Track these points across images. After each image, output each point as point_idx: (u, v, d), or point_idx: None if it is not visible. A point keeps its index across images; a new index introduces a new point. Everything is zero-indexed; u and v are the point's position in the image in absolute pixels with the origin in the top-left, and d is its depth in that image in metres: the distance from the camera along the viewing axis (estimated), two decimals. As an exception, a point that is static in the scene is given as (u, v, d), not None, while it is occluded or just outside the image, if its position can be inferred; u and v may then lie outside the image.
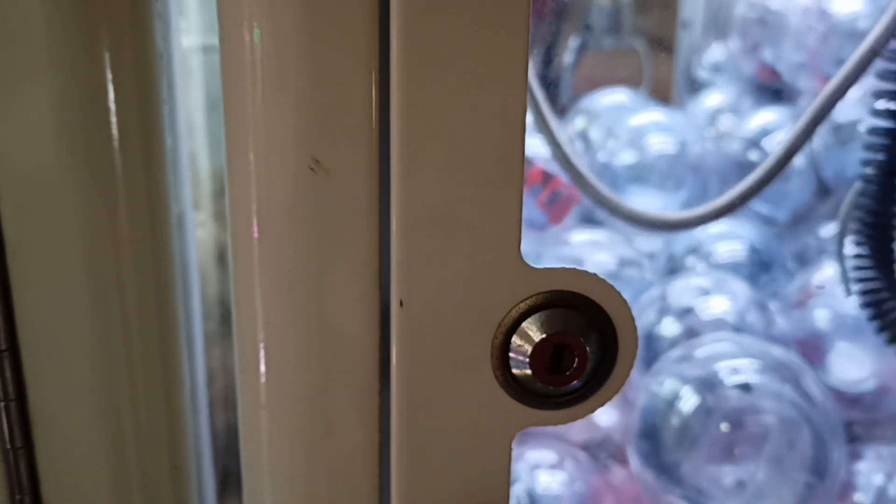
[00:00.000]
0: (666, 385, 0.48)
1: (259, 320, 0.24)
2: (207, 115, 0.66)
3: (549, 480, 0.53)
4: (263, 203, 0.23)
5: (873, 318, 0.46)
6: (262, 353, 0.25)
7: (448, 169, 0.22)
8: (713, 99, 0.86)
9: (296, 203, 0.23)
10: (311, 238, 0.23)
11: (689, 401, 0.47)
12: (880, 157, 0.45)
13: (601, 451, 0.58)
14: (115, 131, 0.25)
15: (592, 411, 0.25)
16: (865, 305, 0.47)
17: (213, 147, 0.66)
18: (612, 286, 0.24)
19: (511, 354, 0.24)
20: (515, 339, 0.24)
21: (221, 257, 0.62)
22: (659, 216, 0.58)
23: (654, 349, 0.56)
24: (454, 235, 0.23)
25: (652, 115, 0.76)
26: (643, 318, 0.58)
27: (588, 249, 0.68)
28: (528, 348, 0.24)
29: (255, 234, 0.24)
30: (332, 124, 0.22)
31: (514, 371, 0.24)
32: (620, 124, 0.76)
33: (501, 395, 0.24)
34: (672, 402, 0.47)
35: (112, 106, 0.25)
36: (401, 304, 0.23)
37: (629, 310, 0.24)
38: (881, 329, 0.46)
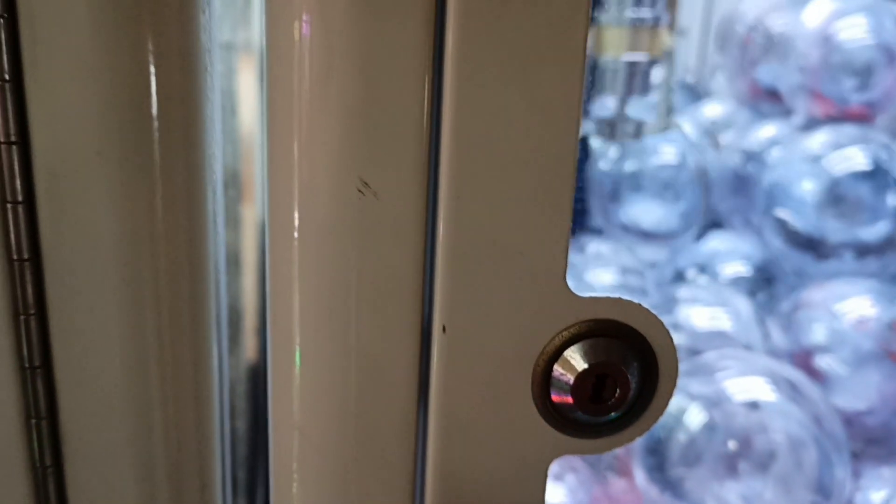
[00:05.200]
0: (673, 401, 0.48)
1: (296, 340, 0.24)
2: (222, 112, 0.66)
3: (551, 492, 0.53)
4: (306, 222, 0.23)
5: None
6: (296, 373, 0.24)
7: (497, 196, 0.22)
8: (712, 110, 0.86)
9: (341, 224, 0.22)
10: (355, 260, 0.23)
11: (696, 417, 0.47)
12: None
13: (601, 463, 0.58)
14: (156, 125, 0.25)
15: (631, 441, 0.25)
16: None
17: (226, 145, 0.66)
18: (655, 316, 0.24)
19: (552, 382, 0.24)
20: (557, 368, 0.24)
21: (229, 262, 0.61)
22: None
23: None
24: (500, 262, 0.23)
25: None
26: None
27: (589, 259, 0.68)
28: (570, 377, 0.23)
29: (296, 254, 0.23)
30: (382, 147, 0.22)
31: (555, 399, 0.24)
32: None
33: (540, 423, 0.24)
34: (679, 417, 0.47)
35: (154, 105, 0.24)
36: (444, 329, 0.23)
37: (671, 340, 0.24)
38: None
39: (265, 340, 0.50)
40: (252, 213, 0.56)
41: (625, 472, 0.55)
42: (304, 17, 0.21)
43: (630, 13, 0.64)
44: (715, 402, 0.47)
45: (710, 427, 0.47)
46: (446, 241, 0.22)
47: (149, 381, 0.25)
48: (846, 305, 0.57)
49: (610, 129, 0.68)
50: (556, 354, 0.24)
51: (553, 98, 0.22)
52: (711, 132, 0.81)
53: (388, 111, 0.22)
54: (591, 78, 0.66)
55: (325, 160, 0.22)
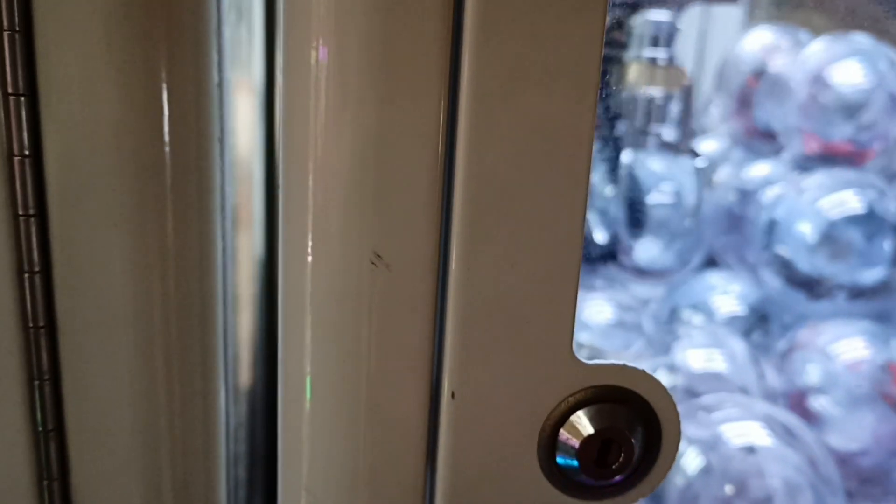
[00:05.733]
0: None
1: (306, 403, 0.24)
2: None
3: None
4: (319, 291, 0.23)
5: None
6: (306, 433, 0.25)
7: (506, 266, 0.23)
8: (705, 147, 0.87)
9: (353, 295, 0.23)
10: (366, 328, 0.23)
11: (693, 461, 0.47)
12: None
13: None
14: (167, 149, 0.25)
15: (634, 502, 0.25)
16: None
17: (227, 175, 0.66)
18: (658, 382, 0.24)
19: (558, 446, 0.24)
20: (563, 433, 0.24)
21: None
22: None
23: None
24: (509, 330, 0.23)
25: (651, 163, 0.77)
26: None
27: (583, 297, 0.69)
28: (576, 442, 0.24)
29: (309, 320, 0.24)
30: (395, 220, 0.22)
31: (560, 462, 0.24)
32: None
33: (546, 486, 0.25)
34: (676, 461, 0.48)
35: (166, 119, 0.25)
36: (452, 395, 0.24)
37: (674, 406, 0.25)
38: None
39: (261, 375, 0.51)
40: (248, 247, 0.57)
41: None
42: (322, 51, 0.22)
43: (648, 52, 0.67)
44: (711, 446, 0.48)
45: (706, 471, 0.47)
46: (456, 311, 0.23)
47: (159, 438, 0.26)
48: (840, 346, 0.58)
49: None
50: (563, 419, 0.24)
51: (562, 175, 0.22)
52: (705, 170, 0.81)
53: (401, 185, 0.22)
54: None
55: (337, 234, 0.23)
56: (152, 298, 0.25)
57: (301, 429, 0.25)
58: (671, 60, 0.69)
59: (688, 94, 0.70)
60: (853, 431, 0.57)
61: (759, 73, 0.79)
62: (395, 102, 0.22)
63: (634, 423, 0.24)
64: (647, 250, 0.73)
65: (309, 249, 0.23)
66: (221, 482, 0.28)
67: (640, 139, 0.69)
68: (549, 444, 0.24)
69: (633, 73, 0.68)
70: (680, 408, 0.48)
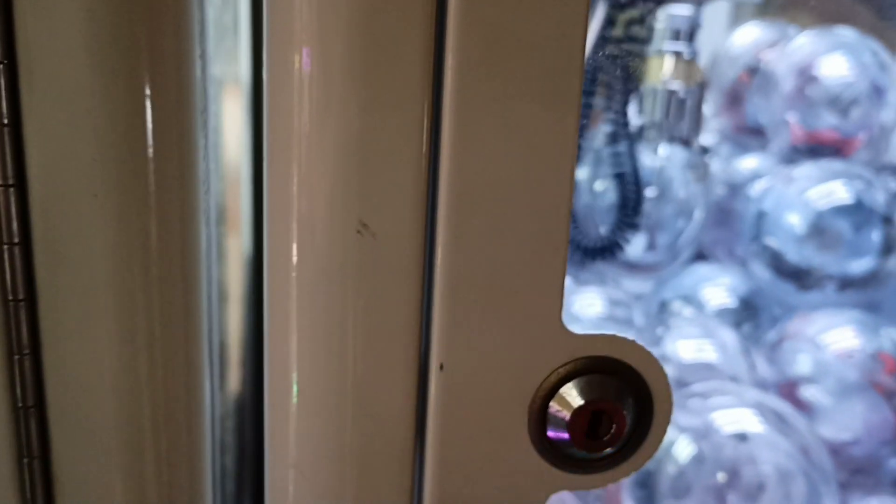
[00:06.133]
0: (662, 433, 0.48)
1: (293, 378, 0.24)
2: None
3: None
4: (305, 262, 0.23)
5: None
6: (293, 411, 0.24)
7: (494, 236, 0.23)
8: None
9: (339, 264, 0.23)
10: (353, 299, 0.23)
11: (684, 449, 0.47)
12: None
13: (589, 495, 0.58)
14: (152, 166, 0.25)
15: (627, 475, 0.25)
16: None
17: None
18: (650, 353, 0.24)
19: (549, 419, 0.24)
20: (553, 405, 0.24)
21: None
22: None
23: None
24: (497, 301, 0.23)
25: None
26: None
27: (573, 291, 0.69)
28: (567, 414, 0.24)
29: (294, 293, 0.23)
30: (381, 188, 0.22)
31: (551, 435, 0.24)
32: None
33: (536, 459, 0.24)
34: (668, 449, 0.47)
35: (150, 142, 0.24)
36: (441, 367, 0.23)
37: (666, 377, 0.24)
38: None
39: (250, 372, 0.50)
40: (237, 245, 0.57)
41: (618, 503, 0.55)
42: (305, 52, 0.22)
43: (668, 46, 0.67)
44: (703, 434, 0.47)
45: (698, 459, 0.47)
46: (443, 280, 0.23)
47: (141, 419, 0.25)
48: (830, 336, 0.58)
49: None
50: (552, 391, 0.24)
51: (549, 139, 0.22)
52: (694, 164, 0.81)
53: (386, 152, 0.22)
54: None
55: (323, 202, 0.22)
56: (134, 275, 0.25)
57: (287, 404, 0.24)
58: (691, 55, 0.69)
59: (701, 90, 0.70)
60: (844, 421, 0.56)
61: (752, 69, 0.79)
62: (383, 74, 0.21)
63: (625, 395, 0.24)
64: (641, 245, 0.73)
65: (294, 218, 0.23)
66: (206, 461, 0.27)
67: (647, 133, 0.69)
68: (540, 416, 0.24)
69: (653, 67, 0.68)
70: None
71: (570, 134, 0.22)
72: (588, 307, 0.66)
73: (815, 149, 0.67)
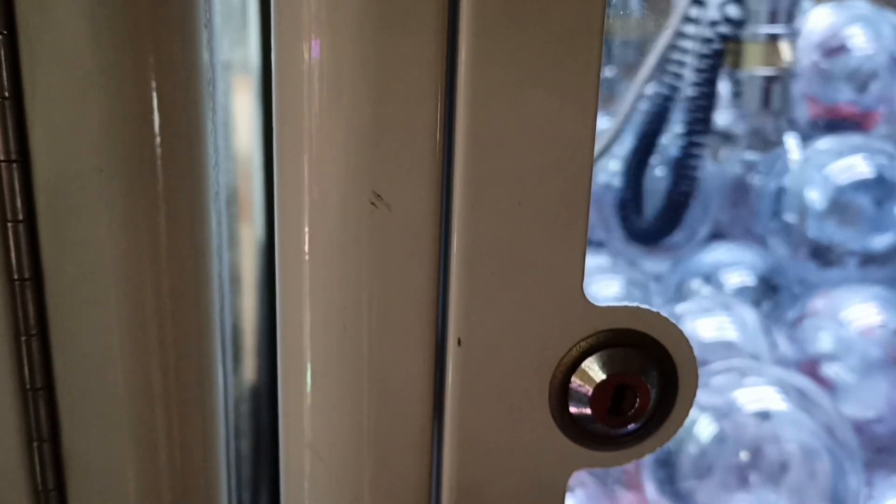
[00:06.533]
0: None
1: (307, 356, 0.23)
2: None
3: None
4: (317, 236, 0.22)
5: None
6: (308, 390, 0.24)
7: (513, 205, 0.22)
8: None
9: (353, 238, 0.22)
10: (367, 273, 0.22)
11: (706, 428, 0.46)
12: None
13: (609, 477, 0.57)
14: (158, 140, 0.24)
15: (651, 452, 0.24)
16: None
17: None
18: (675, 325, 0.23)
19: (570, 394, 0.23)
20: (575, 379, 0.23)
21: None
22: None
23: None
24: (516, 273, 0.22)
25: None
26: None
27: (592, 272, 0.68)
28: (589, 389, 0.23)
29: (307, 269, 0.23)
30: (394, 158, 0.21)
31: (573, 411, 0.23)
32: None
33: (558, 436, 0.24)
34: (689, 428, 0.47)
35: (157, 121, 0.24)
36: (458, 342, 0.23)
37: (691, 350, 0.24)
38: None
39: (265, 359, 0.50)
40: (250, 231, 0.56)
41: (634, 485, 0.55)
42: (314, 38, 0.21)
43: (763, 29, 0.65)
44: (725, 413, 0.46)
45: (720, 438, 0.46)
46: (460, 252, 0.22)
47: (153, 401, 0.25)
48: (852, 313, 0.57)
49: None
50: (574, 366, 0.23)
51: (568, 107, 0.21)
52: (711, 143, 0.80)
53: (399, 122, 0.21)
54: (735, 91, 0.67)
55: (336, 174, 0.22)
56: (142, 253, 0.24)
57: (302, 383, 0.24)
58: (782, 38, 0.66)
59: (788, 74, 0.67)
60: (867, 399, 0.56)
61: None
62: (396, 42, 0.21)
63: (649, 369, 0.23)
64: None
65: (306, 191, 0.22)
66: (220, 443, 0.27)
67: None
68: (561, 391, 0.23)
69: (747, 53, 0.66)
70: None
71: (591, 99, 0.21)
72: (605, 288, 0.65)
73: (835, 123, 0.66)
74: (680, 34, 0.61)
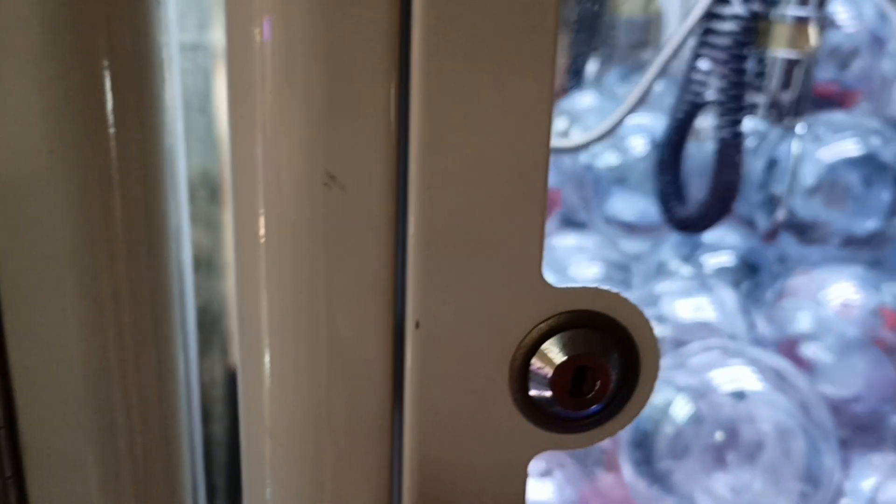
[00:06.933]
0: (659, 393, 0.47)
1: (265, 341, 0.23)
2: (185, 114, 0.65)
3: (539, 489, 0.52)
4: (272, 218, 0.22)
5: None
6: (266, 374, 0.24)
7: (469, 185, 0.21)
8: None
9: (308, 219, 0.22)
10: (323, 256, 0.22)
11: (682, 409, 0.46)
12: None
13: (589, 458, 0.58)
14: (111, 129, 0.24)
15: (612, 434, 0.24)
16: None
17: (189, 149, 0.65)
18: (635, 306, 0.23)
19: (530, 376, 0.23)
20: (535, 361, 0.23)
21: (198, 263, 0.60)
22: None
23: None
24: (473, 254, 0.22)
25: (633, 118, 0.75)
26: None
27: (572, 253, 0.68)
28: (549, 371, 0.23)
29: (263, 251, 0.22)
30: (348, 137, 0.21)
31: (533, 393, 0.23)
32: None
33: (519, 419, 0.23)
34: (665, 409, 0.47)
35: (109, 102, 0.24)
36: (417, 325, 0.22)
37: (652, 330, 0.23)
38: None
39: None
40: (228, 214, 0.56)
41: (613, 466, 0.55)
42: (266, 18, 0.21)
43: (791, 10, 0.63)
44: (701, 394, 0.47)
45: (696, 418, 0.46)
46: (417, 234, 0.22)
47: (110, 384, 0.25)
48: (830, 292, 0.57)
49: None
50: (534, 348, 0.23)
51: (525, 87, 0.21)
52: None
53: (353, 102, 0.21)
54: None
55: (289, 154, 0.21)
56: (96, 240, 0.24)
57: (260, 368, 0.23)
58: (812, 20, 0.64)
59: (811, 59, 0.65)
60: (846, 378, 0.56)
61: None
62: (349, 23, 0.20)
63: (610, 350, 0.23)
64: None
65: (260, 174, 0.22)
66: (181, 425, 0.27)
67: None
68: (521, 374, 0.23)
69: (775, 33, 0.64)
70: (668, 357, 0.47)
71: (547, 80, 0.21)
72: (586, 269, 0.65)
73: (816, 101, 0.66)
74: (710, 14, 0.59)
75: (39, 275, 0.24)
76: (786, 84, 0.65)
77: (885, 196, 0.60)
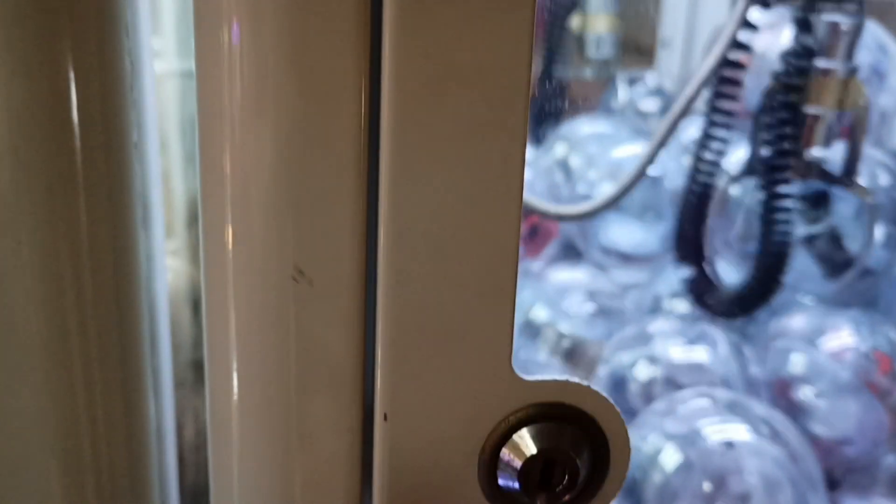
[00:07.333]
0: (649, 440, 0.47)
1: (234, 428, 0.23)
2: (182, 137, 0.64)
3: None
4: (242, 310, 0.22)
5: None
6: (235, 459, 0.23)
7: (438, 279, 0.21)
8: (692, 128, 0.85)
9: (276, 313, 0.22)
10: (291, 348, 0.22)
11: (671, 457, 0.46)
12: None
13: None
14: (77, 147, 0.24)
15: (582, 524, 0.24)
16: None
17: (188, 171, 0.64)
18: (606, 398, 0.23)
19: (500, 467, 0.23)
20: (505, 453, 0.23)
21: (197, 295, 0.60)
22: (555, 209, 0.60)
23: (627, 392, 0.55)
24: (443, 346, 0.22)
25: (632, 147, 0.75)
26: (619, 358, 0.57)
27: (568, 285, 0.67)
28: (518, 463, 0.23)
29: (233, 340, 0.22)
30: (317, 233, 0.21)
31: (502, 484, 0.23)
32: (601, 154, 0.76)
33: (488, 508, 0.23)
34: (654, 457, 0.47)
35: (76, 123, 0.24)
36: (385, 417, 0.22)
37: (623, 424, 0.23)
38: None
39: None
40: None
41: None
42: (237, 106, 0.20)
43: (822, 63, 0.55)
44: (690, 442, 0.46)
45: (685, 467, 0.46)
46: (385, 327, 0.22)
47: (73, 386, 0.25)
48: (824, 335, 0.56)
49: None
50: (504, 438, 0.23)
51: (494, 174, 0.21)
52: (691, 150, 0.80)
53: (321, 199, 0.21)
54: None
55: (259, 248, 0.21)
56: (61, 258, 0.24)
57: (230, 452, 0.23)
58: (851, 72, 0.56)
59: (863, 114, 0.57)
60: (839, 421, 0.55)
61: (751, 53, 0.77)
62: (315, 107, 0.20)
63: (581, 442, 0.23)
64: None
65: (230, 264, 0.22)
66: (149, 433, 0.27)
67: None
68: (490, 465, 0.23)
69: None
70: (658, 403, 0.47)
71: (516, 169, 0.21)
72: (578, 303, 0.65)
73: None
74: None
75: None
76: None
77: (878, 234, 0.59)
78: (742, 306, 0.55)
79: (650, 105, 0.93)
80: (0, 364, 0.24)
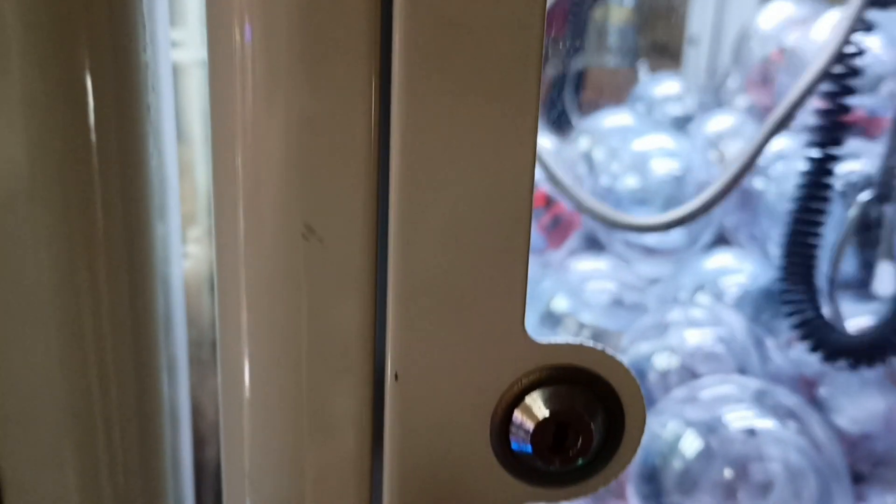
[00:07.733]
0: (669, 427, 0.46)
1: (245, 390, 0.23)
2: (206, 127, 0.65)
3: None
4: (252, 269, 0.22)
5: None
6: (246, 422, 0.23)
7: (450, 239, 0.21)
8: (721, 122, 0.84)
9: (286, 271, 0.21)
10: (301, 307, 0.22)
11: (692, 444, 0.46)
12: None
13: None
14: (93, 140, 0.24)
15: (596, 490, 0.24)
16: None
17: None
18: (620, 362, 0.23)
19: (512, 430, 0.23)
20: (517, 415, 0.23)
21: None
22: (624, 219, 0.58)
23: (646, 381, 0.55)
24: (455, 307, 0.22)
25: (657, 139, 0.75)
26: (638, 348, 0.56)
27: (589, 276, 0.67)
28: (531, 425, 0.22)
29: (244, 301, 0.22)
30: (327, 191, 0.21)
31: (514, 447, 0.23)
32: (625, 147, 0.75)
33: (500, 472, 0.23)
34: (674, 444, 0.46)
35: (91, 117, 0.23)
36: (396, 377, 0.22)
37: (638, 387, 0.23)
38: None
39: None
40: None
41: (622, 495, 0.54)
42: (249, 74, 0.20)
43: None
44: (711, 429, 0.46)
45: (706, 454, 0.45)
46: (396, 287, 0.21)
47: (92, 413, 0.25)
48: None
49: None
50: (516, 401, 0.23)
51: (507, 135, 0.21)
52: (717, 144, 0.79)
53: (332, 156, 0.21)
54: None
55: (269, 206, 0.21)
56: (76, 259, 0.24)
57: (241, 416, 0.23)
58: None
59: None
60: (862, 414, 0.54)
61: (782, 48, 0.76)
62: (327, 73, 0.20)
63: (594, 405, 0.23)
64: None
65: (241, 222, 0.22)
66: (164, 458, 0.27)
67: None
68: (503, 428, 0.23)
69: None
70: (679, 390, 0.47)
71: (529, 128, 0.21)
72: (600, 293, 0.64)
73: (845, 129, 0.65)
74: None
75: (15, 298, 0.24)
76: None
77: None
78: (872, 353, 0.48)
79: (677, 107, 0.92)
80: (13, 350, 0.24)
